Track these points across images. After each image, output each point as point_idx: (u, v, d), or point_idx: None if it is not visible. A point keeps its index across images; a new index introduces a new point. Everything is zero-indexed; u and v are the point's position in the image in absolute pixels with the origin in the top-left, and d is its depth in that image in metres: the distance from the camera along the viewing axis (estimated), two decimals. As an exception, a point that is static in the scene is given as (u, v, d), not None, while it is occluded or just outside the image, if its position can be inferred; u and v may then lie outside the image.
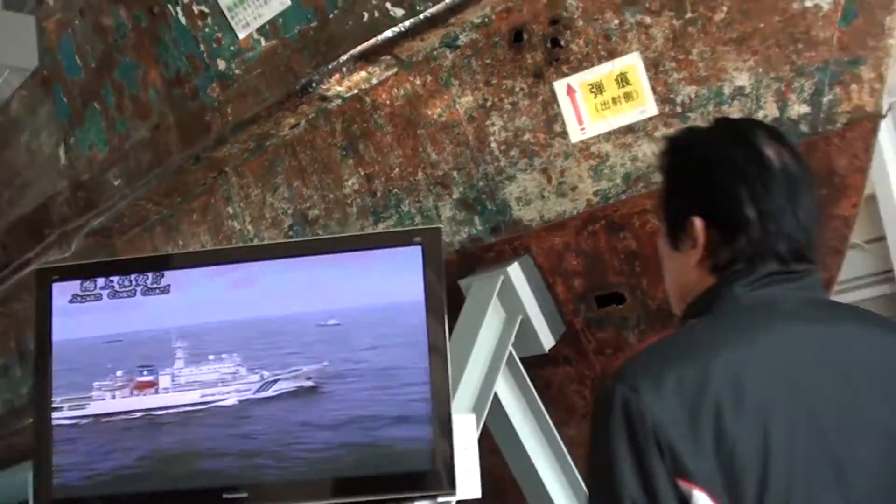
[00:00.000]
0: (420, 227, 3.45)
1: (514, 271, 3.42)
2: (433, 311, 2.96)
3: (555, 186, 3.36)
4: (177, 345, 3.04)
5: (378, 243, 3.13)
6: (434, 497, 2.97)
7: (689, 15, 3.09)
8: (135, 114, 4.11)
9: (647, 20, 3.14)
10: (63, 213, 4.48)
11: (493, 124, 3.39)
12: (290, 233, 3.90)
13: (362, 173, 3.67)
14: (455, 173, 3.50)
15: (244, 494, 2.91)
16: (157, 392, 3.02)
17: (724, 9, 3.06)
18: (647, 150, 3.22)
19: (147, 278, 3.11)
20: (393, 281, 2.96)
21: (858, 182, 3.11)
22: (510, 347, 3.38)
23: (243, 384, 2.96)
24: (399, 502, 2.99)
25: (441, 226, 3.38)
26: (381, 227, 3.68)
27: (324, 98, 3.57)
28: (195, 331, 3.05)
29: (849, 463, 1.56)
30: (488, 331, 3.37)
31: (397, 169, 3.60)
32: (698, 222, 1.80)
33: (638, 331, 3.45)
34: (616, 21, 3.16)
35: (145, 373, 3.02)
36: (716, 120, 2.03)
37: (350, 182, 3.70)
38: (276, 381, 2.95)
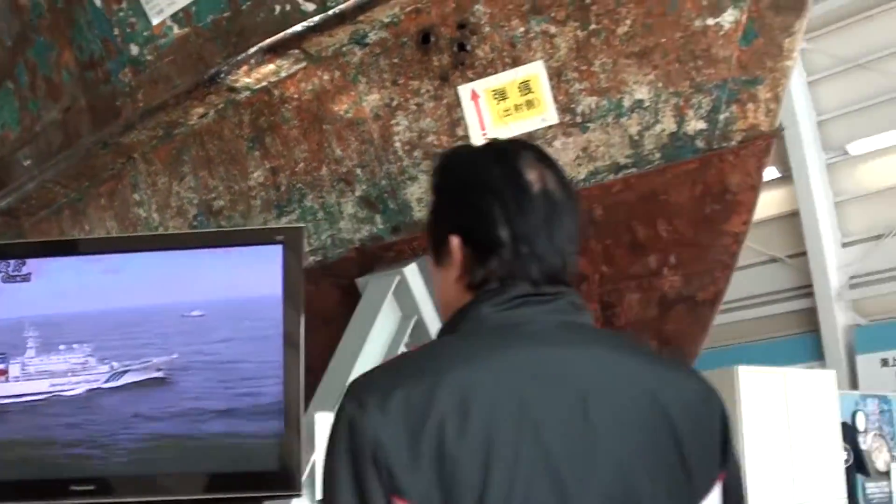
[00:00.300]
0: (283, 226, 3.45)
1: (411, 271, 3.42)
2: (291, 306, 2.93)
3: (455, 190, 3.37)
4: (29, 334, 3.00)
5: (243, 240, 3.12)
6: (272, 498, 2.90)
7: (593, 26, 3.12)
8: (47, 94, 4.08)
9: (552, 29, 3.16)
10: (-28, 192, 4.43)
11: (398, 124, 3.40)
12: (195, 223, 3.89)
13: (268, 166, 3.67)
14: (359, 170, 3.51)
15: (91, 487, 2.86)
16: (6, 381, 2.98)
17: (628, 22, 3.09)
18: (547, 158, 3.24)
19: (8, 265, 3.08)
20: (255, 276, 2.94)
21: (750, 199, 3.15)
22: (403, 347, 3.38)
23: (92, 374, 2.93)
24: (235, 501, 2.92)
25: (303, 226, 3.39)
26: (283, 221, 3.67)
27: (232, 89, 3.56)
28: (50, 320, 3.01)
29: (574, 488, 1.56)
30: (381, 329, 3.38)
31: (302, 163, 3.60)
32: (455, 240, 1.79)
33: (531, 337, 3.46)
34: (522, 29, 3.18)
35: (-3, 361, 2.98)
36: (489, 140, 2.04)
37: (255, 174, 3.70)
38: (125, 372, 2.92)
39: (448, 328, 1.76)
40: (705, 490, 1.68)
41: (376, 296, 3.43)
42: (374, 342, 3.35)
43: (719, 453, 1.73)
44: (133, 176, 3.98)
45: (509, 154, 1.80)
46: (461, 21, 3.25)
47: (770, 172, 13.70)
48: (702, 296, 3.25)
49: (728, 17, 3.01)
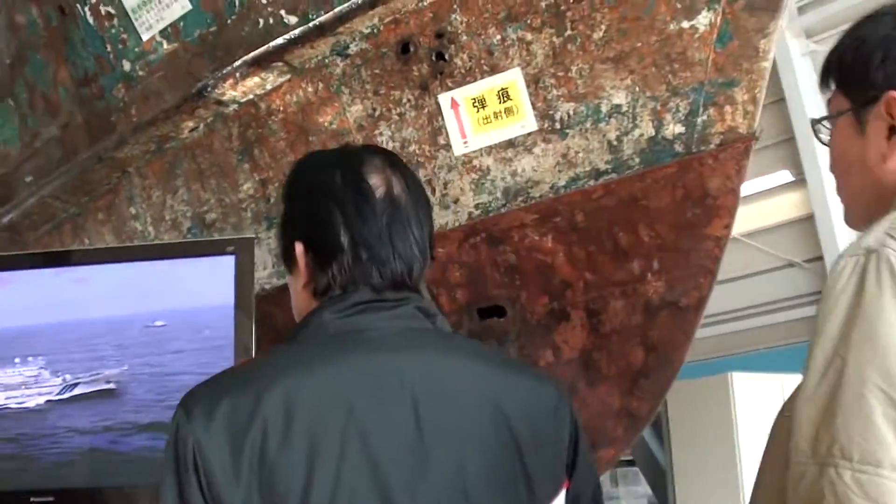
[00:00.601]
0: (234, 237, 3.47)
1: (396, 281, 3.42)
2: (243, 315, 2.95)
3: (438, 198, 3.38)
4: None
5: (199, 251, 3.16)
6: None
7: (568, 32, 3.11)
8: (46, 111, 4.13)
9: (528, 36, 3.15)
10: (-25, 208, 4.49)
11: (381, 134, 3.41)
12: (189, 235, 3.92)
13: (257, 178, 3.69)
14: (345, 182, 3.51)
15: (50, 499, 2.90)
16: None
17: (603, 27, 3.08)
18: (527, 165, 3.24)
19: None
20: (211, 287, 2.97)
21: (731, 203, 3.12)
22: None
23: (45, 387, 2.97)
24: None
25: (255, 236, 3.40)
26: (273, 234, 3.69)
27: (220, 102, 3.59)
28: (8, 333, 3.06)
29: (401, 496, 1.56)
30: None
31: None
32: (298, 247, 1.80)
33: (518, 344, 3.46)
34: (498, 36, 3.18)
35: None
36: (340, 146, 2.02)
37: (245, 187, 3.72)
38: (76, 385, 2.95)
39: (291, 336, 1.78)
40: (547, 498, 1.68)
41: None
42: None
43: (566, 461, 1.73)
44: (129, 190, 4.02)
45: (354, 159, 1.81)
46: (439, 30, 3.25)
47: (783, 176, 13.65)
48: (685, 301, 3.22)
49: (702, 20, 2.99)
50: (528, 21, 3.14)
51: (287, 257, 1.85)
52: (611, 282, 3.28)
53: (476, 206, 3.34)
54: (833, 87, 1.85)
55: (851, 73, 1.77)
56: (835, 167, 1.86)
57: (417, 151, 3.37)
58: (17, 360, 3.03)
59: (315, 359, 1.66)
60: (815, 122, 1.84)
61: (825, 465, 1.39)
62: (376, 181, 1.77)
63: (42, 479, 2.90)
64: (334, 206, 1.74)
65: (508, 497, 1.62)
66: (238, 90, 3.54)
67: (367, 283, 1.72)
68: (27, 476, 2.89)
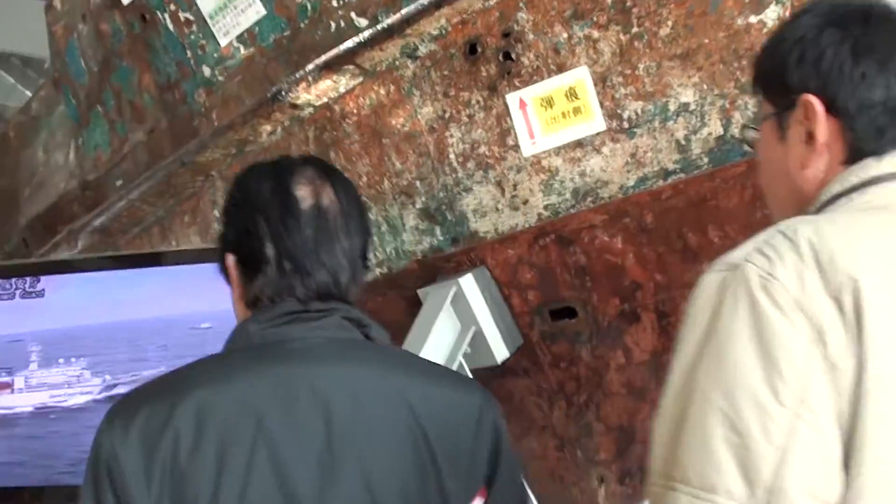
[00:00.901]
0: None
1: (467, 282, 3.42)
2: None
3: (508, 200, 3.36)
4: (32, 348, 3.14)
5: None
6: None
7: (635, 29, 3.06)
8: (132, 117, 4.22)
9: (595, 34, 3.12)
10: (73, 211, 4.61)
11: (451, 136, 3.41)
12: (269, 238, 3.97)
13: (333, 181, 3.71)
14: (418, 183, 3.53)
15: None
16: (11, 392, 3.12)
17: (669, 24, 3.02)
18: (595, 166, 3.20)
19: (25, 282, 3.21)
20: None
21: (801, 202, 3.04)
22: (460, 358, 3.38)
23: (86, 387, 3.04)
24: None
25: None
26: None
27: (294, 106, 3.62)
28: (58, 334, 3.13)
29: None
30: (438, 339, 3.39)
31: (365, 177, 3.63)
32: (230, 259, 1.81)
33: (590, 346, 3.43)
34: (565, 35, 3.15)
35: (3, 374, 3.12)
36: (277, 158, 2.00)
37: (322, 189, 3.75)
38: (116, 385, 3.01)
39: (224, 346, 1.80)
40: None
41: (433, 307, 3.44)
42: (431, 352, 3.35)
43: (485, 471, 1.72)
44: (212, 193, 4.09)
45: (285, 172, 1.82)
46: (505, 29, 3.24)
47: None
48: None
49: (770, 14, 2.92)
50: (595, 18, 3.10)
51: (223, 269, 1.88)
52: (681, 283, 3.22)
53: (545, 207, 3.31)
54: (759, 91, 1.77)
55: (771, 77, 1.68)
56: (761, 175, 1.77)
57: (487, 153, 3.35)
58: (61, 360, 3.11)
59: (233, 370, 1.69)
60: (743, 128, 1.77)
61: (667, 489, 1.34)
62: (304, 193, 1.78)
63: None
64: (261, 219, 1.77)
65: None
66: (311, 93, 3.57)
67: (292, 295, 1.74)
68: (70, 477, 2.97)
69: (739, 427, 1.29)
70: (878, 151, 1.54)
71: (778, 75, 1.64)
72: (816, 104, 1.56)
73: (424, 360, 1.83)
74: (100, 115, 4.39)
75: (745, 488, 1.28)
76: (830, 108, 1.56)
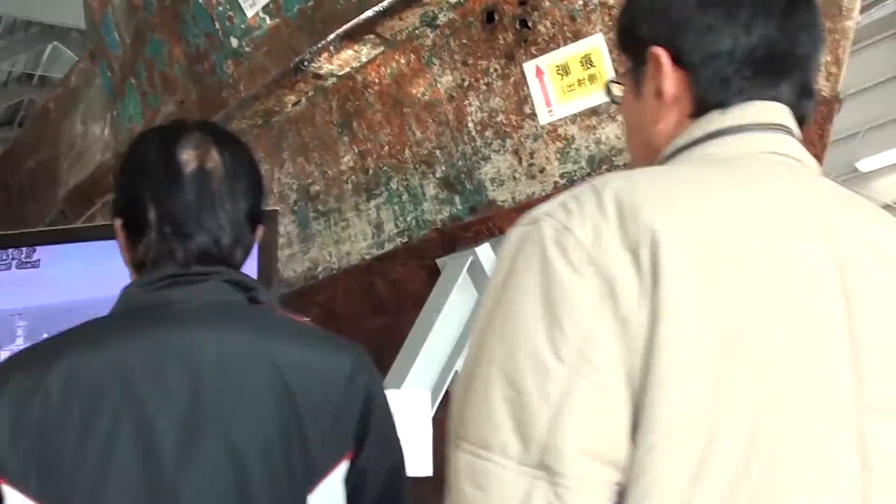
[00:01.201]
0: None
1: (484, 251, 3.43)
2: (265, 283, 2.96)
3: (525, 168, 3.36)
4: (19, 323, 3.17)
5: None
6: None
7: (650, -4, 3.04)
8: (164, 89, 4.28)
9: (611, 0, 3.10)
10: (108, 183, 4.67)
11: (469, 104, 3.42)
12: (295, 208, 4.01)
13: (356, 150, 3.74)
14: (438, 152, 3.54)
15: None
16: None
17: (684, -10, 3.00)
18: (611, 133, 3.19)
19: (21, 252, 3.24)
20: None
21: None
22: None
23: None
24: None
25: (277, 208, 3.44)
26: (372, 205, 3.74)
27: (317, 76, 3.65)
28: (45, 310, 3.15)
29: (172, 467, 1.57)
30: (454, 309, 3.40)
31: (387, 147, 3.66)
32: (117, 223, 1.81)
33: (607, 316, 3.41)
34: (580, 2, 3.14)
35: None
36: (168, 122, 2.00)
37: (346, 159, 3.78)
38: None
39: (111, 309, 1.81)
40: (325, 470, 1.67)
41: (450, 276, 3.45)
42: (446, 322, 3.37)
43: (354, 432, 1.70)
44: (240, 163, 4.13)
45: (170, 136, 1.81)
46: (522, -2, 3.24)
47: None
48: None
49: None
50: (610, -16, 3.09)
51: (114, 234, 1.89)
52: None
53: (561, 176, 3.31)
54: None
55: (626, 32, 1.64)
56: (625, 130, 1.74)
57: (504, 121, 3.36)
58: (45, 335, 3.13)
59: (107, 335, 1.70)
60: (607, 84, 1.72)
61: (455, 447, 1.32)
62: (188, 157, 1.76)
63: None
64: (144, 183, 1.76)
65: (282, 467, 1.63)
66: (334, 63, 3.59)
67: (173, 258, 1.74)
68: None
69: (518, 385, 1.26)
70: (724, 103, 1.48)
71: (631, 29, 1.61)
72: (663, 56, 1.52)
73: (302, 324, 1.81)
74: (133, 87, 4.46)
75: (520, 445, 1.24)
76: (677, 61, 1.53)
